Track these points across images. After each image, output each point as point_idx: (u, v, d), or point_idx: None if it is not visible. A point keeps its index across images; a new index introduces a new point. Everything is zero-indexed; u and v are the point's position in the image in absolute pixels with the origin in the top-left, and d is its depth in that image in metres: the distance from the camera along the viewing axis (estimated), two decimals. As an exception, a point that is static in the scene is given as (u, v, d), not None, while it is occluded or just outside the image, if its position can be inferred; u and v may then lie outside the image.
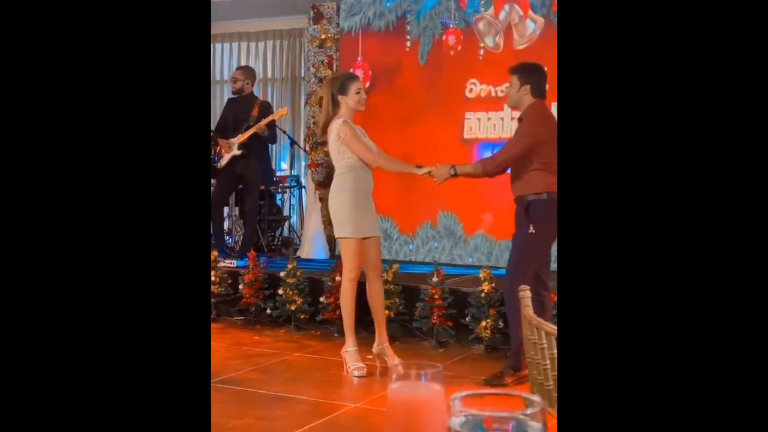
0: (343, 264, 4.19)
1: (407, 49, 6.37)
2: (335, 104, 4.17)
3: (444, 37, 6.19)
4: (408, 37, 6.37)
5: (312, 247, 6.78)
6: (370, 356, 4.30)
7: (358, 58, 6.50)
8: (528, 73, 3.97)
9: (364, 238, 4.15)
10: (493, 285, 4.63)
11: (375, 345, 4.28)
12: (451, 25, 6.16)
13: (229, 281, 5.58)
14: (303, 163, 7.71)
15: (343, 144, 4.11)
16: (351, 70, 6.41)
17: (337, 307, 5.04)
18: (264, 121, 6.30)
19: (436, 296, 4.80)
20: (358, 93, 4.16)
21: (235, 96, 6.65)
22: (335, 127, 4.13)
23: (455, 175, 4.06)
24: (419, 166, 4.23)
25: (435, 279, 4.84)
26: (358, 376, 4.14)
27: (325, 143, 6.66)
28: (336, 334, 5.04)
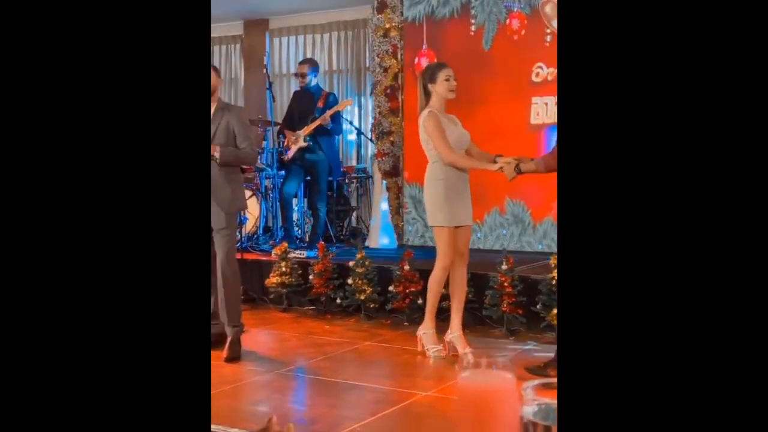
0: (438, 252, 4.18)
1: (471, 35, 6.31)
2: (427, 94, 4.18)
3: (508, 22, 6.10)
4: (472, 22, 6.31)
5: (380, 237, 6.81)
6: (441, 345, 4.29)
7: (423, 47, 6.47)
8: None
9: (456, 227, 4.14)
10: (564, 272, 4.56)
11: (447, 333, 4.27)
12: (515, 9, 6.07)
13: (299, 272, 5.66)
14: (370, 153, 7.74)
15: (428, 136, 4.11)
16: (416, 59, 6.39)
17: (407, 296, 5.06)
18: (329, 112, 6.36)
19: (505, 284, 4.76)
20: (447, 80, 4.13)
21: (301, 88, 6.72)
22: (421, 119, 4.15)
23: (520, 173, 3.99)
24: (498, 157, 4.07)
25: (504, 266, 4.80)
26: (435, 357, 4.15)
27: (390, 133, 6.76)
28: (406, 323, 5.06)
